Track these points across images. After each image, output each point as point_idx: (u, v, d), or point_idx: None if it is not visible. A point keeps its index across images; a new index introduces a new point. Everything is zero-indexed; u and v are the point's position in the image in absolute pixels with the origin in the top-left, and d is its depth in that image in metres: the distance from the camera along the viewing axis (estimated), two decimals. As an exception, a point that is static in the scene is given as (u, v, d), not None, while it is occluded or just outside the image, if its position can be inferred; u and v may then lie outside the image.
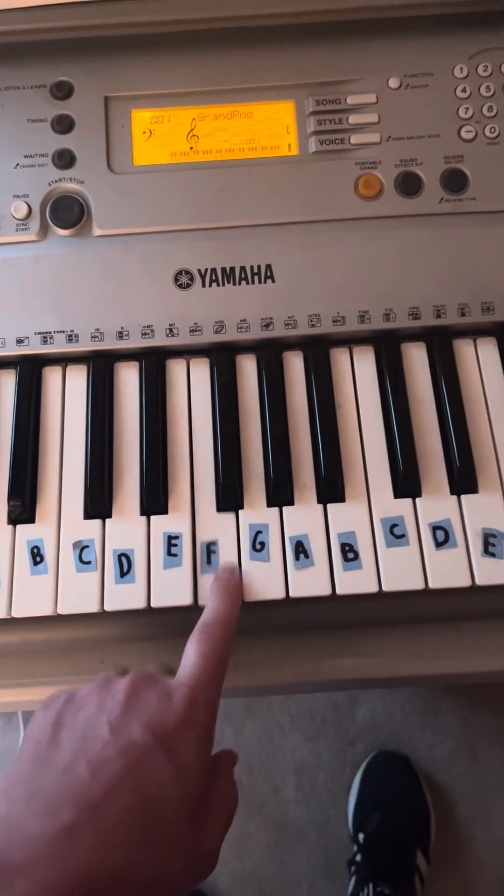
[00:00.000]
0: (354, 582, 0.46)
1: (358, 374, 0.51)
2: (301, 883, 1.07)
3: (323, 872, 1.07)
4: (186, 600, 0.46)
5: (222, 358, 0.52)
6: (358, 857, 1.02)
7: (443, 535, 0.47)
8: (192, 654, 0.40)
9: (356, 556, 0.47)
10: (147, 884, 0.33)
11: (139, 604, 0.46)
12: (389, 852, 1.02)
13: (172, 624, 0.46)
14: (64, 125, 0.53)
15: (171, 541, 0.47)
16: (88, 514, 0.48)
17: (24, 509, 0.48)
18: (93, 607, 0.46)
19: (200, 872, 0.36)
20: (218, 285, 0.52)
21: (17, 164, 0.53)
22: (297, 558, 0.47)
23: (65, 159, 0.53)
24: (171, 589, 0.46)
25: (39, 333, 0.51)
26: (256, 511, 0.48)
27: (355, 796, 1.08)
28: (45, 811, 0.32)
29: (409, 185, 0.52)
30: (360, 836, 1.04)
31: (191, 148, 0.53)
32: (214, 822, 0.37)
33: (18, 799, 0.33)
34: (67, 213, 0.52)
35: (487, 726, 1.14)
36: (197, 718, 0.37)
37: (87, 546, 0.47)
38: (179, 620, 0.45)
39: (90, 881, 0.31)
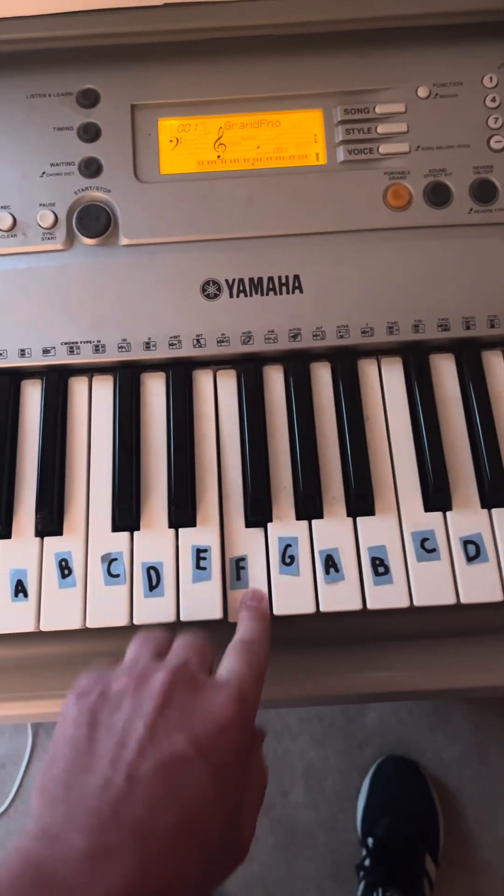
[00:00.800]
0: (385, 597, 0.46)
1: (386, 386, 0.51)
2: (309, 886, 1.07)
3: (331, 876, 1.07)
4: (216, 614, 0.46)
5: (249, 369, 0.51)
6: (367, 862, 1.02)
7: (474, 550, 0.47)
8: (235, 661, 0.38)
9: (387, 571, 0.46)
10: (189, 892, 0.32)
11: (169, 617, 0.45)
12: (398, 857, 1.02)
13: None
14: (90, 133, 0.53)
15: (200, 554, 0.47)
16: (116, 527, 0.48)
17: (51, 521, 0.47)
18: (122, 621, 0.45)
19: (236, 864, 0.35)
20: (245, 296, 0.51)
21: (44, 173, 0.52)
22: (327, 572, 0.46)
23: (91, 168, 0.52)
24: (201, 603, 0.46)
25: (66, 343, 0.51)
26: (285, 524, 0.48)
27: (364, 800, 1.08)
28: (88, 828, 0.31)
29: (438, 195, 0.52)
30: (369, 841, 1.03)
31: (218, 157, 0.53)
32: (248, 813, 0.36)
33: (59, 809, 0.32)
34: (94, 222, 0.52)
35: (497, 731, 1.14)
36: (242, 718, 0.35)
37: (116, 559, 0.47)
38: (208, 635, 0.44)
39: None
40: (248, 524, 0.48)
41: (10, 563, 0.47)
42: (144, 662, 0.38)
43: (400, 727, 1.14)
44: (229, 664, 0.38)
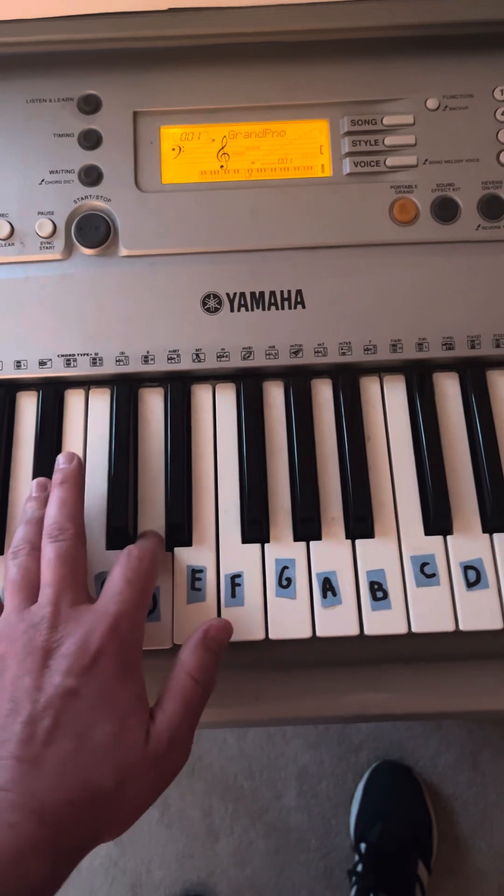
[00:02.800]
0: (383, 622, 0.45)
1: (388, 405, 0.50)
2: (301, 891, 1.07)
3: (324, 881, 1.07)
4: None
5: (249, 384, 0.50)
6: (359, 868, 1.02)
7: (474, 576, 0.46)
8: (117, 580, 0.40)
9: (385, 596, 0.46)
10: (109, 804, 0.36)
11: (165, 643, 0.45)
12: (391, 863, 1.01)
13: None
14: (91, 140, 0.52)
15: (195, 574, 0.46)
16: (111, 545, 0.47)
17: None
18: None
19: (160, 775, 0.38)
20: (247, 310, 0.50)
21: (43, 180, 0.51)
22: (324, 596, 0.46)
23: (92, 176, 0.51)
24: (193, 626, 0.45)
25: (63, 356, 0.50)
26: (283, 545, 0.47)
27: (357, 806, 1.08)
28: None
29: (445, 210, 0.51)
30: (362, 846, 1.03)
31: (221, 167, 0.52)
32: (161, 719, 0.39)
33: None
34: (93, 231, 0.51)
35: (491, 738, 1.13)
36: (117, 646, 0.38)
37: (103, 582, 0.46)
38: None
39: (53, 816, 0.34)
40: (245, 540, 0.47)
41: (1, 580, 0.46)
42: (18, 620, 0.39)
43: (395, 733, 1.14)
44: (111, 584, 0.41)
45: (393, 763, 1.10)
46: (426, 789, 1.09)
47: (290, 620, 0.45)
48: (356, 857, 1.04)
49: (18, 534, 0.44)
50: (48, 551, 0.41)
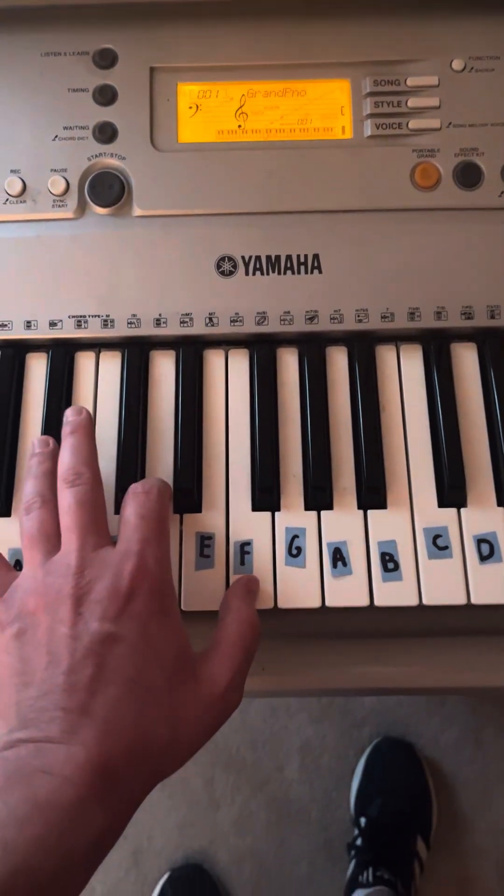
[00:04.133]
0: (394, 594, 0.45)
1: (404, 374, 0.49)
2: (301, 861, 1.08)
3: (323, 852, 1.08)
4: (218, 604, 0.44)
5: (263, 350, 0.49)
6: (359, 842, 1.03)
7: (488, 549, 0.45)
8: (131, 519, 0.40)
9: (396, 567, 0.45)
10: (164, 751, 0.36)
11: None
12: (390, 838, 1.02)
13: (194, 631, 0.44)
14: (106, 96, 0.50)
15: (204, 541, 0.46)
16: (118, 510, 0.46)
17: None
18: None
19: (217, 716, 0.38)
20: (262, 274, 0.49)
21: (56, 136, 0.50)
22: (334, 566, 0.45)
23: (106, 133, 0.50)
24: (202, 593, 0.45)
25: (73, 317, 0.49)
26: (293, 514, 0.46)
27: (358, 780, 1.09)
28: (41, 722, 0.34)
29: (468, 176, 0.50)
30: (362, 821, 1.04)
31: (239, 126, 0.51)
32: (219, 661, 0.39)
33: (14, 723, 0.35)
34: (107, 190, 0.50)
35: (494, 716, 1.14)
36: (149, 584, 0.38)
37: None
38: (207, 625, 0.43)
39: (108, 765, 0.33)
40: (255, 508, 0.47)
41: (9, 543, 0.46)
42: (44, 573, 0.39)
43: (398, 709, 1.14)
44: (126, 526, 0.40)
45: (394, 739, 1.11)
46: (427, 766, 1.09)
47: (299, 590, 0.45)
48: (356, 832, 1.05)
49: (27, 487, 0.43)
50: (66, 497, 0.41)
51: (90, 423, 0.44)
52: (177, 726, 0.36)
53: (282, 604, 0.45)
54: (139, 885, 1.06)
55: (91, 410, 0.49)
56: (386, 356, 0.50)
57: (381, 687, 0.47)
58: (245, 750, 1.12)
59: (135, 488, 0.42)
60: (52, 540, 0.40)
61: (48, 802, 0.31)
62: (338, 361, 0.50)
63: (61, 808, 0.32)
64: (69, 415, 0.45)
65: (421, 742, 1.12)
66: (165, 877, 1.06)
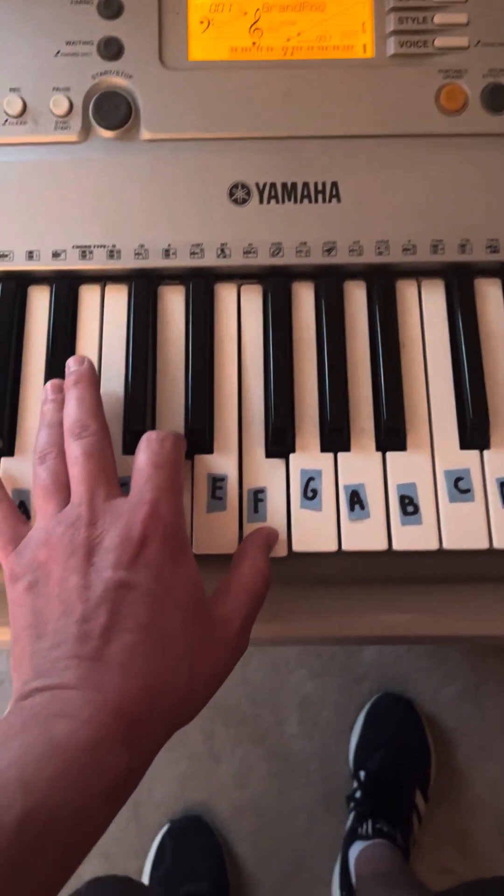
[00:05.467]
0: (413, 538, 0.43)
1: (426, 311, 0.47)
2: (300, 813, 1.09)
3: (322, 804, 1.08)
4: (229, 548, 0.43)
5: (277, 284, 0.47)
6: (358, 794, 1.03)
7: (511, 492, 0.43)
8: (144, 467, 0.39)
9: (416, 511, 0.43)
10: (183, 695, 0.35)
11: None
12: (389, 791, 1.02)
13: (207, 574, 0.42)
14: (112, 9, 0.47)
15: (216, 483, 0.44)
16: (128, 450, 0.44)
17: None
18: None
19: (230, 658, 0.38)
20: (277, 202, 0.46)
21: (59, 52, 0.47)
22: (351, 509, 0.43)
23: (112, 49, 0.47)
24: (214, 536, 0.43)
25: (78, 247, 0.46)
26: (309, 456, 0.44)
27: (358, 735, 1.09)
28: (56, 671, 0.34)
29: (497, 99, 0.47)
30: (361, 774, 1.04)
31: (253, 43, 0.47)
32: (231, 605, 0.39)
33: (27, 674, 0.34)
34: (113, 111, 0.47)
35: (494, 671, 1.14)
36: (162, 531, 0.37)
37: (125, 484, 0.43)
38: (218, 569, 0.41)
39: (125, 708, 0.33)
40: (269, 454, 0.45)
41: (16, 484, 0.44)
42: (55, 524, 0.38)
43: (398, 665, 1.14)
44: (138, 475, 0.39)
45: (394, 695, 1.11)
46: (426, 722, 1.10)
47: (315, 533, 0.43)
48: (355, 784, 1.05)
49: (42, 436, 0.42)
50: (74, 449, 0.39)
51: (93, 371, 0.43)
52: (194, 670, 0.36)
53: (297, 547, 0.43)
54: (139, 837, 1.07)
55: (96, 347, 0.46)
56: (406, 292, 0.47)
57: (398, 635, 0.46)
58: (245, 705, 1.12)
59: (149, 436, 0.41)
60: (65, 490, 0.40)
61: (66, 743, 0.31)
62: (356, 297, 0.47)
63: (79, 749, 0.31)
64: (71, 364, 0.43)
65: (421, 698, 1.12)
66: (165, 828, 1.06)
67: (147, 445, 0.40)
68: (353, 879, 0.96)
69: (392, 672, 1.13)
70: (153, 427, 0.45)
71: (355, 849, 0.99)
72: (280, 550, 0.43)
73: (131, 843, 1.07)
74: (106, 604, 0.35)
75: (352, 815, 1.04)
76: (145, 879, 1.04)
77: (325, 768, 1.10)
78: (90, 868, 1.02)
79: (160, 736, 0.35)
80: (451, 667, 1.14)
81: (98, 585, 0.35)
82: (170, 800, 1.08)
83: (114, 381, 0.45)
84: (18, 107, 0.46)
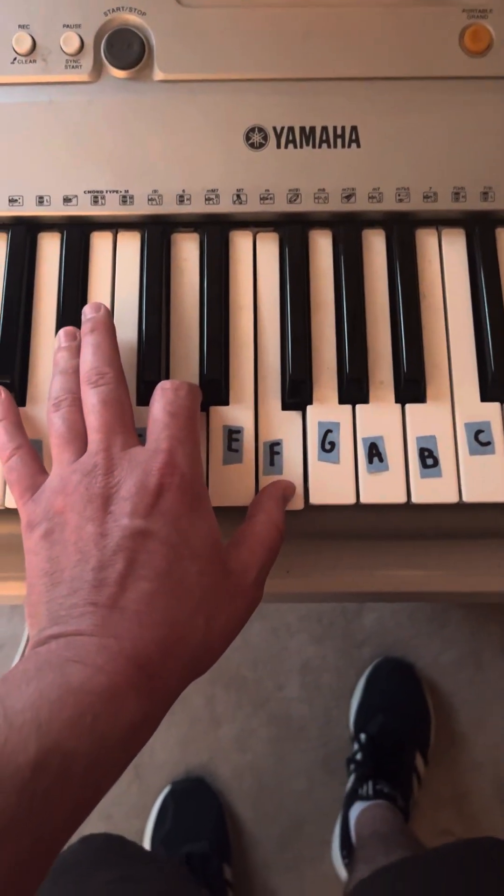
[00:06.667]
0: (432, 491, 0.42)
1: (446, 260, 0.46)
2: (300, 776, 1.09)
3: (322, 767, 1.09)
4: (245, 500, 0.42)
5: (294, 232, 0.46)
6: (358, 756, 1.04)
7: (533, 445, 0.43)
8: (160, 416, 0.39)
9: (436, 463, 0.42)
10: (200, 644, 0.35)
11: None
12: (389, 753, 1.03)
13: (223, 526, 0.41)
14: None
15: (232, 435, 0.43)
16: (142, 401, 0.43)
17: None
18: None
19: (246, 608, 0.38)
20: (295, 147, 0.45)
21: (69, -14, 0.45)
22: (370, 461, 0.42)
23: (125, -17, 0.45)
24: (230, 488, 0.42)
25: (90, 192, 0.45)
26: (326, 408, 0.43)
27: (359, 698, 1.10)
28: (71, 618, 0.34)
29: (523, 40, 0.45)
30: (362, 737, 1.05)
31: (272, -20, 0.46)
32: (247, 556, 0.38)
33: (43, 621, 0.34)
34: (126, 50, 0.45)
35: (495, 637, 1.14)
36: (179, 480, 0.37)
37: (140, 436, 0.42)
38: (233, 521, 0.41)
39: (141, 656, 0.33)
40: (285, 407, 0.44)
41: (29, 434, 0.43)
42: (71, 472, 0.37)
43: (398, 630, 1.14)
44: (154, 425, 0.39)
45: (395, 660, 1.11)
46: (426, 686, 1.10)
47: (332, 486, 0.42)
48: (355, 746, 1.06)
49: (56, 384, 0.41)
50: (90, 397, 0.39)
51: (109, 319, 0.42)
52: (211, 618, 0.36)
53: (314, 499, 0.42)
54: (141, 798, 1.08)
55: (108, 296, 0.45)
56: (427, 241, 0.46)
57: (412, 591, 0.46)
58: (246, 669, 1.13)
59: (164, 385, 0.40)
60: (81, 439, 0.39)
61: (82, 689, 0.31)
62: (375, 245, 0.46)
63: (95, 695, 0.31)
64: (87, 312, 0.42)
65: (421, 663, 1.12)
66: (167, 790, 1.07)
67: (162, 394, 0.39)
68: (354, 839, 0.97)
69: (393, 637, 1.14)
70: (167, 378, 0.44)
71: (356, 809, 1.00)
72: (296, 504, 0.42)
73: (133, 804, 1.08)
74: (123, 552, 0.35)
75: (352, 777, 1.05)
76: (147, 839, 1.05)
77: (325, 732, 1.11)
78: (92, 828, 1.03)
79: (176, 685, 0.35)
80: (452, 632, 1.14)
81: (115, 533, 0.35)
82: (171, 762, 1.09)
83: (127, 331, 0.44)
84: (27, 45, 0.45)
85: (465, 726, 1.11)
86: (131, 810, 1.07)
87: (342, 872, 1.01)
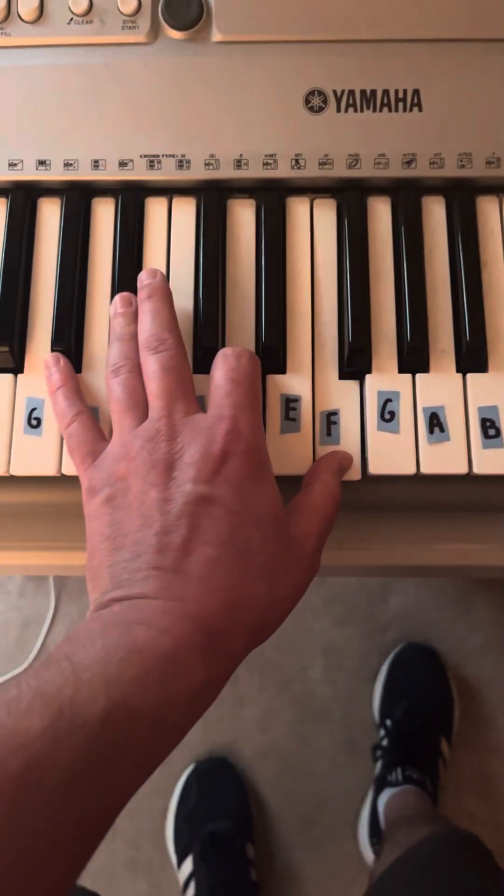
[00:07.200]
0: (495, 461, 0.41)
1: (509, 229, 0.45)
2: (323, 758, 1.09)
3: (345, 749, 1.09)
4: (303, 470, 0.41)
5: (353, 199, 0.45)
6: (384, 742, 1.04)
7: None
8: (222, 383, 0.38)
9: (498, 434, 0.42)
10: (263, 609, 0.35)
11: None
12: (415, 738, 1.03)
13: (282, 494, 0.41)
14: None
15: (290, 404, 0.42)
16: (199, 369, 0.43)
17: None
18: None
19: (306, 576, 0.38)
20: (355, 111, 0.44)
21: None
22: (430, 431, 0.42)
23: None
24: (288, 456, 0.42)
25: (145, 156, 0.44)
26: (386, 377, 0.43)
27: (382, 685, 1.09)
28: (135, 581, 0.33)
29: None
30: (388, 723, 1.05)
31: None
32: (306, 525, 0.38)
33: (105, 585, 0.34)
34: (184, 9, 0.44)
35: (521, 623, 1.14)
36: (243, 446, 0.36)
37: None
38: (291, 490, 0.40)
39: (205, 619, 0.33)
40: (343, 376, 0.43)
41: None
42: (133, 437, 0.37)
43: (422, 614, 1.14)
44: (216, 392, 0.38)
45: (418, 645, 1.11)
46: (450, 671, 1.10)
47: (392, 455, 0.42)
48: (381, 733, 1.06)
49: (114, 350, 0.40)
50: (151, 363, 0.38)
51: (166, 285, 0.42)
52: (273, 585, 0.36)
53: (373, 469, 0.42)
54: (164, 776, 1.08)
55: (164, 262, 0.45)
56: (488, 208, 0.45)
57: (471, 565, 0.45)
58: (270, 651, 1.13)
59: (225, 352, 0.39)
60: (142, 405, 0.39)
61: (147, 648, 0.31)
62: (435, 212, 0.45)
63: (160, 655, 0.31)
64: (144, 278, 0.42)
65: (445, 647, 1.12)
66: (191, 768, 1.07)
67: (224, 361, 0.39)
68: (383, 824, 0.97)
69: (417, 620, 1.13)
70: (224, 345, 0.43)
71: (384, 795, 1.00)
72: (353, 475, 0.42)
73: (157, 782, 1.08)
74: (186, 517, 0.34)
75: (380, 763, 1.05)
76: (170, 818, 1.06)
77: (348, 714, 1.11)
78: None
79: (239, 651, 0.35)
80: (476, 616, 1.14)
81: (178, 499, 0.35)
82: (195, 741, 1.09)
83: (183, 298, 0.44)
84: (84, 5, 0.44)
85: (490, 709, 1.11)
86: (154, 788, 1.08)
87: (369, 856, 1.01)
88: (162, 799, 1.07)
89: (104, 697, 0.29)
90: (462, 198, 0.45)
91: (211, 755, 1.09)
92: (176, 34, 0.44)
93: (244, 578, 0.35)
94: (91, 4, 0.44)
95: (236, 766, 1.08)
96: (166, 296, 0.41)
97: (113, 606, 0.33)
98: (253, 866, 1.02)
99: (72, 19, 0.44)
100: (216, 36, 0.45)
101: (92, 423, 0.40)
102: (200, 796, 1.05)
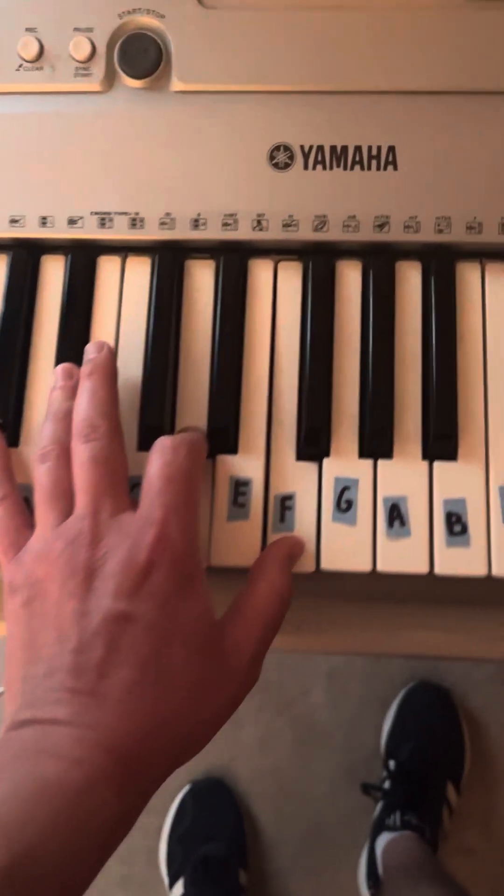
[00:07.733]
0: (458, 561, 0.38)
1: (489, 299, 0.41)
2: (322, 782, 1.08)
3: (345, 775, 1.08)
4: (250, 561, 0.38)
5: (320, 262, 0.41)
6: (387, 784, 1.02)
7: None
8: (155, 480, 0.35)
9: (464, 530, 0.38)
10: (187, 734, 0.33)
11: (197, 564, 0.38)
12: (419, 782, 1.01)
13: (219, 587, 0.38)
14: None
15: (239, 488, 0.39)
16: (143, 446, 0.40)
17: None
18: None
19: (241, 689, 0.35)
20: (324, 168, 0.40)
21: (81, -15, 0.41)
22: (390, 525, 0.38)
23: (142, -18, 0.41)
24: (234, 546, 0.39)
25: (97, 214, 0.41)
26: (345, 462, 0.39)
27: (390, 723, 1.07)
28: (48, 703, 0.31)
29: None
30: (391, 763, 1.03)
31: (305, -21, 0.41)
32: (245, 631, 0.35)
33: (17, 699, 0.32)
34: (141, 56, 0.41)
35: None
36: (171, 556, 0.34)
37: (136, 485, 0.39)
38: (236, 582, 0.37)
39: (120, 748, 0.30)
40: (300, 457, 0.40)
41: (21, 478, 0.40)
42: (55, 537, 0.35)
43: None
44: (148, 487, 0.35)
45: (431, 684, 1.08)
46: (462, 713, 1.07)
47: (347, 550, 0.38)
48: (384, 773, 1.04)
49: (45, 431, 0.38)
50: (80, 452, 0.36)
51: (112, 361, 0.39)
52: (200, 705, 0.33)
53: (326, 565, 0.38)
54: (160, 796, 1.05)
55: (114, 326, 0.42)
56: (468, 276, 0.41)
57: (433, 654, 0.42)
58: (271, 672, 1.11)
59: (162, 443, 0.36)
60: (67, 497, 0.36)
61: (56, 783, 0.29)
62: (409, 280, 0.41)
63: (70, 790, 0.29)
64: (90, 351, 0.39)
65: (452, 678, 1.09)
66: (186, 788, 1.07)
67: (160, 455, 0.36)
68: (380, 870, 0.95)
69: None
70: (172, 421, 0.40)
71: (382, 839, 0.97)
72: (307, 565, 0.39)
73: (152, 802, 1.06)
74: (103, 635, 0.32)
75: (380, 805, 1.02)
76: (164, 837, 1.05)
77: (349, 740, 1.09)
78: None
79: (158, 776, 0.33)
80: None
81: (96, 614, 0.32)
82: (191, 762, 1.08)
83: (132, 367, 0.41)
84: (34, 50, 0.41)
85: (494, 743, 1.08)
86: (150, 807, 1.04)
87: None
88: (157, 817, 1.07)
89: (6, 851, 0.27)
90: (440, 263, 0.41)
91: (207, 775, 1.08)
92: (133, 82, 0.41)
93: (165, 703, 0.32)
94: (42, 49, 0.41)
95: (233, 787, 1.07)
96: (109, 374, 0.38)
97: (24, 730, 0.31)
98: (245, 893, 1.00)
99: (21, 65, 0.41)
100: (176, 85, 0.41)
101: (19, 508, 0.37)
102: (196, 817, 1.04)
